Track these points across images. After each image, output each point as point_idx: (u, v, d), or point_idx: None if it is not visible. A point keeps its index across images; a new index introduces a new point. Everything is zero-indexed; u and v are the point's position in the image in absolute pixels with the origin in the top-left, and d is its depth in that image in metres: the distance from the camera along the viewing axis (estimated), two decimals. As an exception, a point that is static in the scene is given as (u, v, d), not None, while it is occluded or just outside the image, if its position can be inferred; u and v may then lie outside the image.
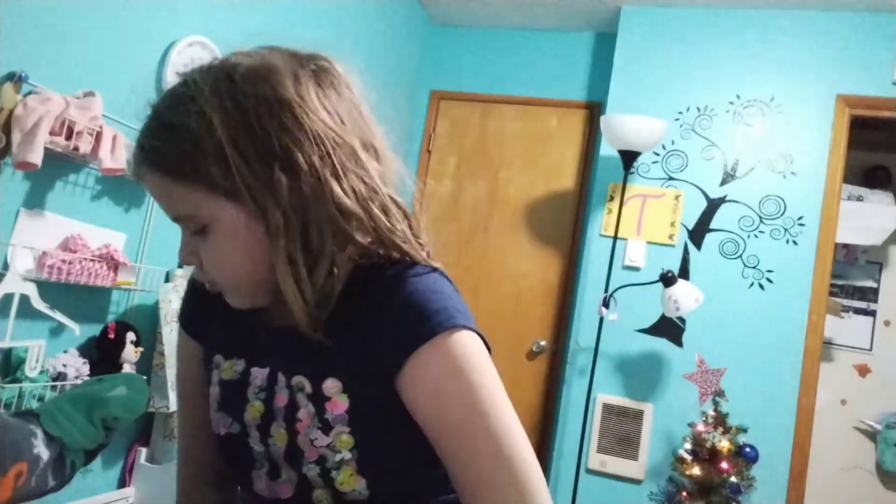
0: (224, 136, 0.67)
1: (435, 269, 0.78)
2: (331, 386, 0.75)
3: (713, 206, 3.26)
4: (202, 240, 0.73)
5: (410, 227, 0.79)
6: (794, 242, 3.13)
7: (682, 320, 3.17)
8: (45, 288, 1.81)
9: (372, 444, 0.74)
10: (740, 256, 3.19)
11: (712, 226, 3.25)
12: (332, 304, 0.74)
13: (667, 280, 2.87)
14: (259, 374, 0.80)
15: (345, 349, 0.75)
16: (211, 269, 0.74)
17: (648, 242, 3.30)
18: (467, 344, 0.71)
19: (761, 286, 3.14)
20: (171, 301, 2.21)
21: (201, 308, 0.89)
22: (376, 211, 0.74)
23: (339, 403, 0.74)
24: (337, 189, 0.70)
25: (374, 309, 0.73)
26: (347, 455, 0.74)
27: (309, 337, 0.74)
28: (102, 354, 2.02)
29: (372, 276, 0.76)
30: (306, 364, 0.77)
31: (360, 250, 0.75)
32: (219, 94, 0.69)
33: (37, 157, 1.66)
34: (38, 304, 1.78)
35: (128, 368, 2.04)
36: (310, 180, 0.69)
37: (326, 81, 0.75)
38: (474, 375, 0.70)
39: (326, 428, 0.74)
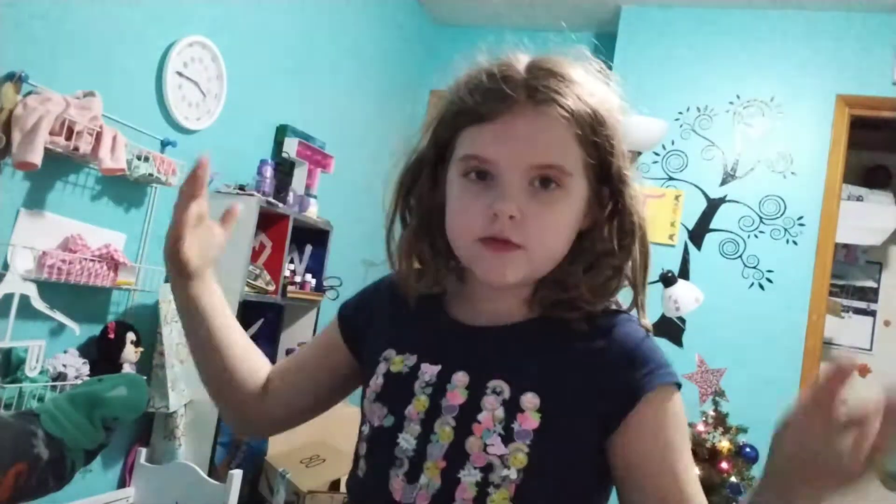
0: (614, 125, 0.77)
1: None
2: (529, 400, 0.74)
3: (713, 206, 3.26)
4: (539, 195, 0.74)
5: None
6: (794, 242, 3.13)
7: (682, 320, 3.17)
8: (45, 288, 1.81)
9: (541, 470, 0.73)
10: (740, 256, 3.19)
11: (712, 226, 3.25)
12: (576, 310, 0.78)
13: (667, 280, 2.87)
14: (429, 370, 0.79)
15: (556, 368, 0.76)
16: (534, 226, 0.74)
17: (648, 242, 3.29)
18: (681, 402, 0.78)
19: (761, 286, 3.14)
20: (171, 301, 2.20)
21: (371, 311, 0.91)
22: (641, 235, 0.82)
23: (529, 419, 0.73)
24: (636, 202, 0.80)
25: (606, 342, 0.77)
26: (514, 475, 0.72)
27: (515, 343, 0.79)
28: (102, 354, 2.02)
29: (593, 316, 0.80)
30: (507, 370, 0.76)
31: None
32: (606, 88, 0.80)
33: (37, 157, 1.66)
34: (38, 304, 1.78)
35: (128, 368, 2.04)
36: (631, 192, 0.79)
37: None
38: (685, 428, 0.78)
39: (508, 438, 0.73)
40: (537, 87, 0.74)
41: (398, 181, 0.84)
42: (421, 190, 0.82)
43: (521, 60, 0.77)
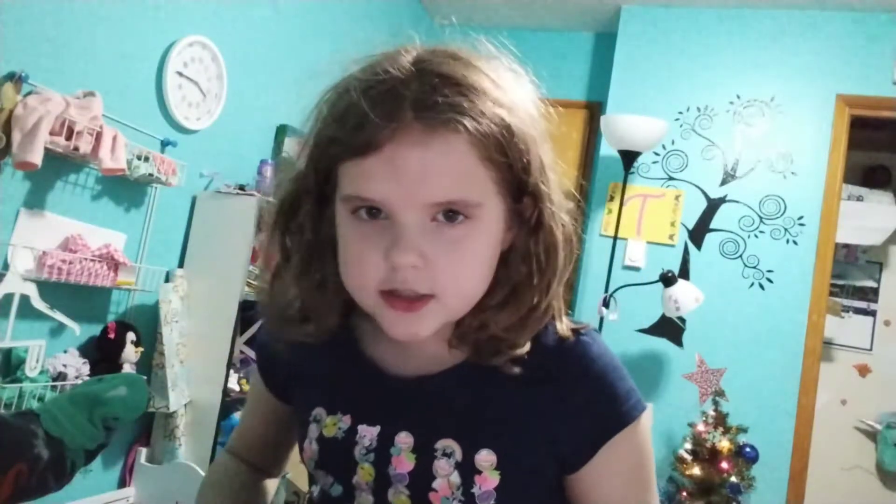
0: (525, 135, 0.63)
1: (587, 328, 0.72)
2: (484, 458, 0.66)
3: (713, 206, 3.26)
4: (445, 232, 0.61)
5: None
6: (794, 242, 3.13)
7: (682, 320, 3.17)
8: (45, 288, 1.81)
9: None
10: (740, 256, 3.19)
11: (712, 226, 3.25)
12: (501, 355, 0.67)
13: (667, 280, 2.87)
14: (367, 433, 0.70)
15: (507, 418, 0.68)
16: (443, 270, 0.61)
17: (648, 242, 3.29)
18: (648, 425, 0.71)
19: (761, 286, 3.14)
20: (171, 301, 2.21)
21: (288, 356, 0.79)
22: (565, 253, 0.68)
23: (488, 479, 0.66)
24: (560, 219, 0.67)
25: (556, 383, 0.68)
26: None
27: (457, 395, 0.69)
28: (102, 354, 2.02)
29: (540, 344, 0.69)
30: (455, 428, 0.68)
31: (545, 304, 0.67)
32: (519, 97, 0.66)
33: (37, 157, 1.66)
34: (38, 304, 1.78)
35: (128, 368, 2.04)
36: (551, 206, 0.66)
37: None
38: (650, 457, 0.72)
39: (470, 503, 0.66)
40: (427, 105, 0.59)
41: (276, 209, 0.70)
42: (303, 221, 0.69)
43: (404, 64, 0.61)
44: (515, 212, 0.66)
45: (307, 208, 0.68)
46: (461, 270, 0.62)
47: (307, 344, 0.74)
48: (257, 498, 0.86)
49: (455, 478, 0.67)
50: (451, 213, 0.61)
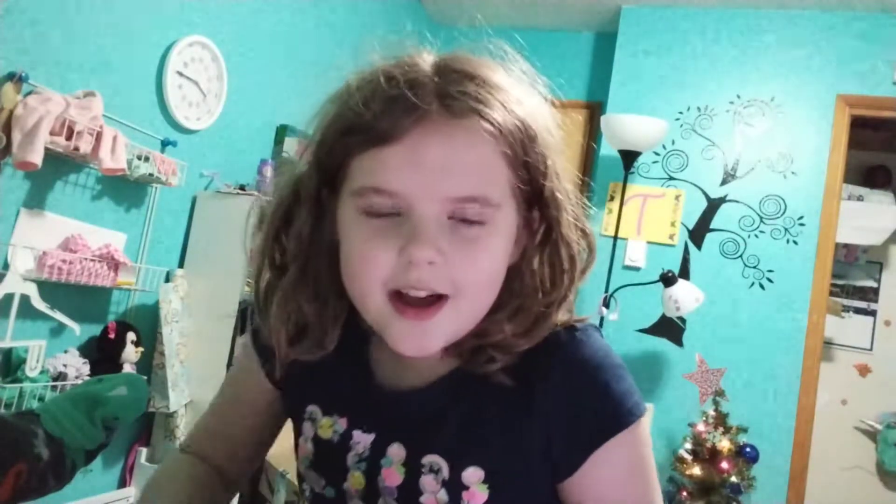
0: (546, 140, 0.63)
1: (585, 322, 0.67)
2: (472, 475, 0.63)
3: (713, 206, 3.26)
4: (461, 230, 0.59)
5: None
6: (795, 242, 3.13)
7: (683, 320, 3.17)
8: (45, 288, 1.81)
9: None
10: (740, 256, 3.19)
11: (712, 226, 3.25)
12: (494, 363, 0.64)
13: (667, 280, 2.87)
14: (362, 440, 0.67)
15: (497, 430, 0.64)
16: (460, 268, 0.58)
17: (649, 242, 3.29)
18: (647, 428, 0.66)
19: (761, 286, 3.14)
20: (171, 301, 2.21)
21: None
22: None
23: (477, 494, 0.63)
24: (572, 230, 0.65)
25: (547, 382, 0.63)
26: None
27: (446, 410, 0.65)
28: (103, 354, 2.03)
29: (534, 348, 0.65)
30: (442, 443, 0.65)
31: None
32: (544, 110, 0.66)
33: (37, 157, 1.66)
34: (39, 304, 1.78)
35: (128, 368, 2.04)
36: (567, 217, 0.64)
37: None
38: (650, 461, 0.66)
39: None
40: (453, 94, 0.58)
41: (270, 217, 0.67)
42: (300, 228, 0.65)
43: (428, 59, 0.61)
44: (527, 222, 0.64)
45: (305, 213, 0.65)
46: (477, 268, 0.59)
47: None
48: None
49: (442, 495, 0.63)
50: (467, 217, 0.59)
